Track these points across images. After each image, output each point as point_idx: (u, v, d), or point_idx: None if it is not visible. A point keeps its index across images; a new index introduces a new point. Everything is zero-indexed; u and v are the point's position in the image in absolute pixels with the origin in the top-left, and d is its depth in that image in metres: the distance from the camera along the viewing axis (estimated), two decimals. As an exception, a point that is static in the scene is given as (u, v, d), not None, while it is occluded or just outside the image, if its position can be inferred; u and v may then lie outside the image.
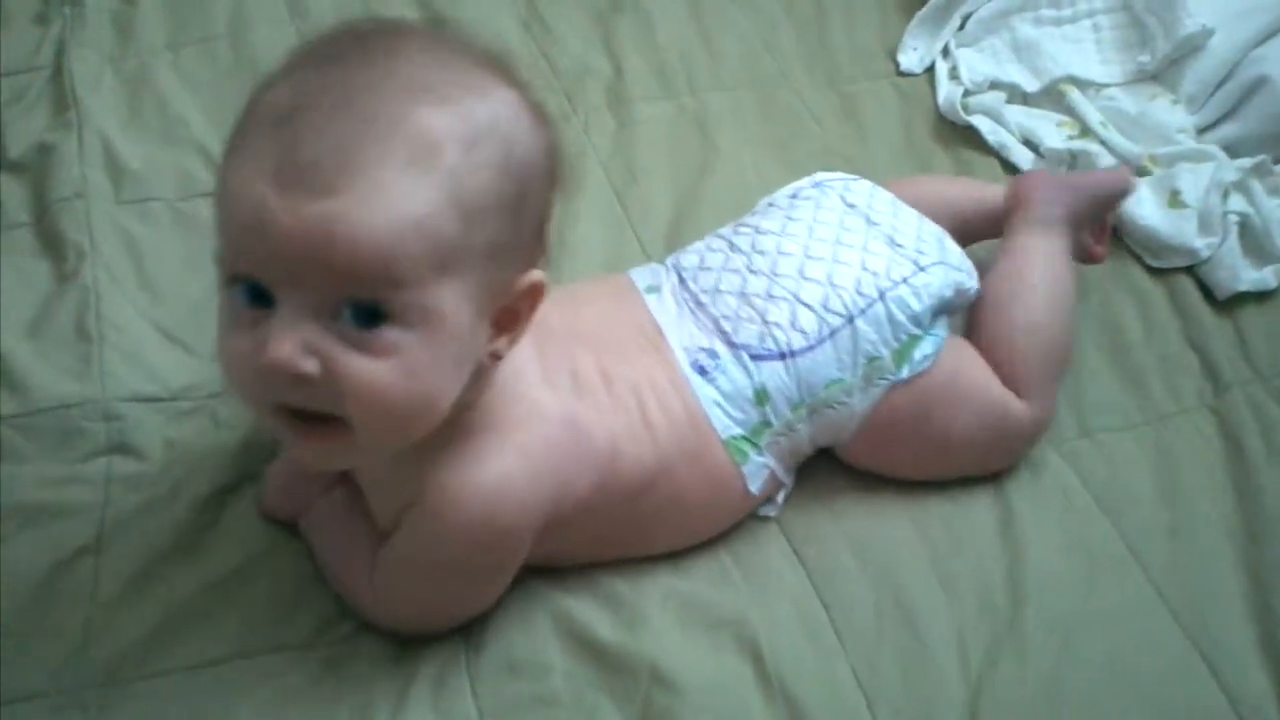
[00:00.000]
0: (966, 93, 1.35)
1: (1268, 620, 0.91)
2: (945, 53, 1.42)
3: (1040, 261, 1.04)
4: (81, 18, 1.39)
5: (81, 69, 1.32)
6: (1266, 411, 1.05)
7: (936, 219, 1.02)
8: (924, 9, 1.45)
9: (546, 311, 0.81)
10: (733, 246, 0.98)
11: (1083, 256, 1.14)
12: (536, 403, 0.84)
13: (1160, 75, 1.36)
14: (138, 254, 1.14)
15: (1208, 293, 1.16)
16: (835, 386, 0.93)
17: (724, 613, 0.90)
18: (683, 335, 0.93)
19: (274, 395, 0.74)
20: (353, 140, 0.71)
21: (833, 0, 1.50)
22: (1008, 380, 0.99)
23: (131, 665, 0.85)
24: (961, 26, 1.44)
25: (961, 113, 1.33)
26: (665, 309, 0.95)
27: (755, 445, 0.93)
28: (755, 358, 0.92)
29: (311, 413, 0.75)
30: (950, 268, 0.98)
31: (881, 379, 0.94)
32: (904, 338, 0.94)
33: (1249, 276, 1.16)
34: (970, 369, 0.99)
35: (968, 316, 1.03)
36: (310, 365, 0.72)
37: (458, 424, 0.80)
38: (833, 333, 0.93)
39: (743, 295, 0.94)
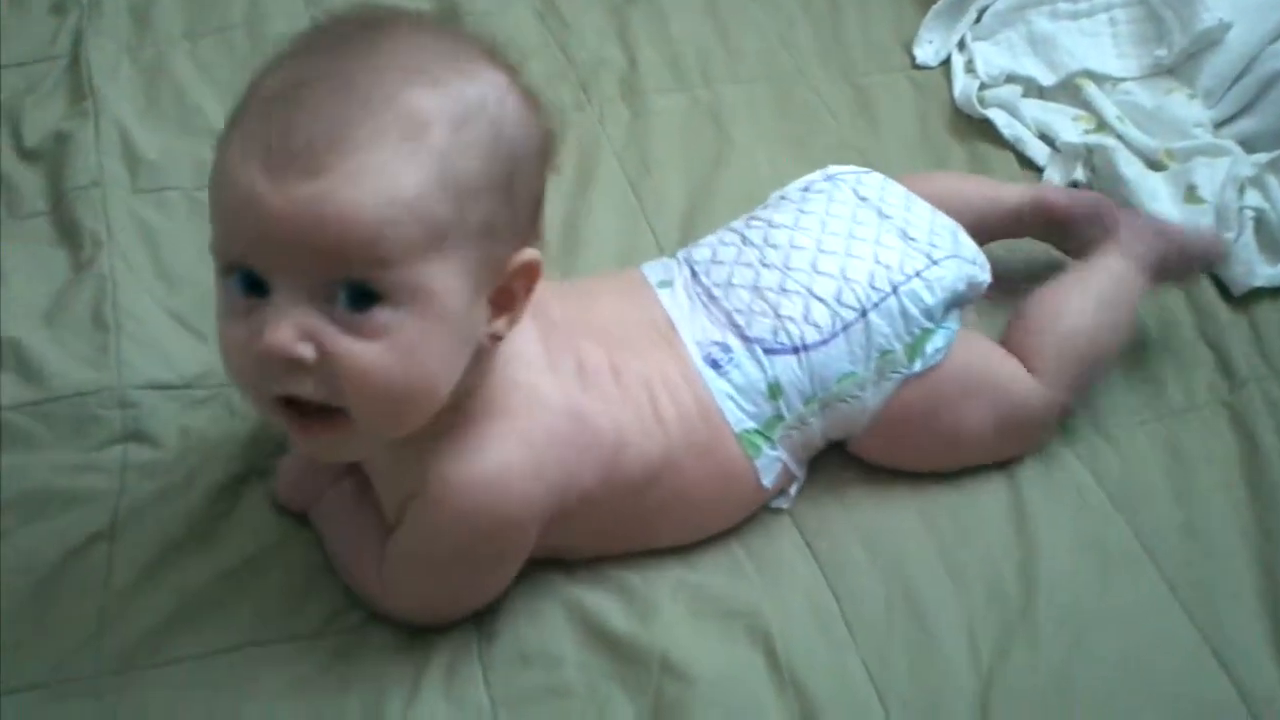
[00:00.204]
0: (982, 86, 1.35)
1: (1281, 616, 0.91)
2: (961, 46, 1.41)
3: (1110, 283, 1.04)
4: (99, 7, 1.40)
5: (99, 58, 1.33)
6: (1282, 407, 1.05)
7: (952, 216, 1.02)
8: (940, 2, 1.44)
9: (554, 305, 0.82)
10: (745, 240, 0.98)
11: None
12: (539, 390, 0.84)
13: (1177, 69, 1.35)
14: (154, 242, 1.14)
15: (1223, 288, 1.15)
16: (848, 380, 0.93)
17: (736, 604, 0.90)
18: (695, 329, 0.93)
19: (272, 385, 0.75)
20: (342, 121, 0.72)
21: (848, -8, 1.50)
22: (1029, 358, 0.99)
23: (144, 653, 0.86)
24: (978, 20, 1.43)
25: (977, 106, 1.33)
26: (678, 303, 0.95)
27: (768, 439, 0.93)
28: (768, 351, 0.92)
29: (312, 405, 0.75)
30: (963, 261, 0.98)
31: (894, 373, 0.94)
32: (916, 331, 0.94)
33: (1264, 272, 1.15)
34: (982, 359, 0.99)
35: (1015, 305, 1.03)
36: (305, 350, 0.73)
37: (459, 411, 0.80)
38: (846, 326, 0.93)
39: (756, 289, 0.94)
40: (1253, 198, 1.18)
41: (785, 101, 1.35)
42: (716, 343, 0.92)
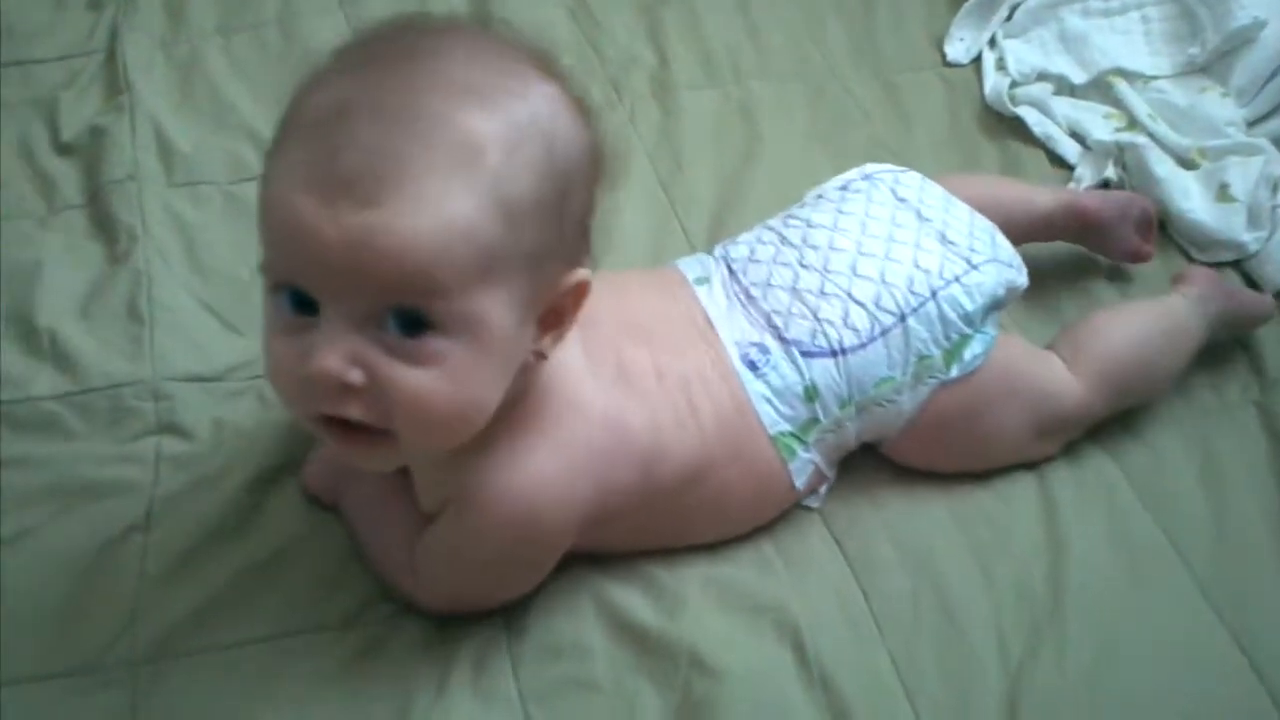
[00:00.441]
0: (1013, 84, 1.35)
1: (1312, 619, 0.91)
2: (992, 43, 1.41)
3: (1170, 320, 1.04)
4: (134, 3, 1.41)
5: (134, 53, 1.34)
6: (1313, 409, 1.05)
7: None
8: (971, 0, 1.44)
9: (593, 302, 0.81)
10: (783, 239, 0.98)
11: (1130, 255, 1.14)
12: (579, 400, 0.84)
13: (1210, 68, 1.34)
14: (188, 236, 1.15)
15: (1255, 287, 1.15)
16: (885, 385, 0.93)
17: (764, 600, 0.90)
18: (733, 329, 0.93)
19: (319, 405, 0.74)
20: (394, 148, 0.70)
21: (879, -10, 1.50)
22: (1072, 357, 0.99)
23: (177, 642, 0.86)
24: (1009, 17, 1.43)
25: (1008, 104, 1.33)
26: (715, 301, 0.95)
27: (803, 442, 0.92)
28: (806, 354, 0.92)
29: (357, 423, 0.75)
30: (1002, 264, 0.97)
31: (931, 378, 0.94)
32: (955, 337, 0.94)
33: (1297, 272, 1.15)
34: (1019, 361, 0.98)
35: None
36: (356, 376, 0.72)
37: (499, 420, 0.79)
38: (884, 331, 0.92)
39: (794, 290, 0.94)
40: (1286, 197, 1.18)
41: (816, 99, 1.35)
42: (754, 344, 0.92)
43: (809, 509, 0.96)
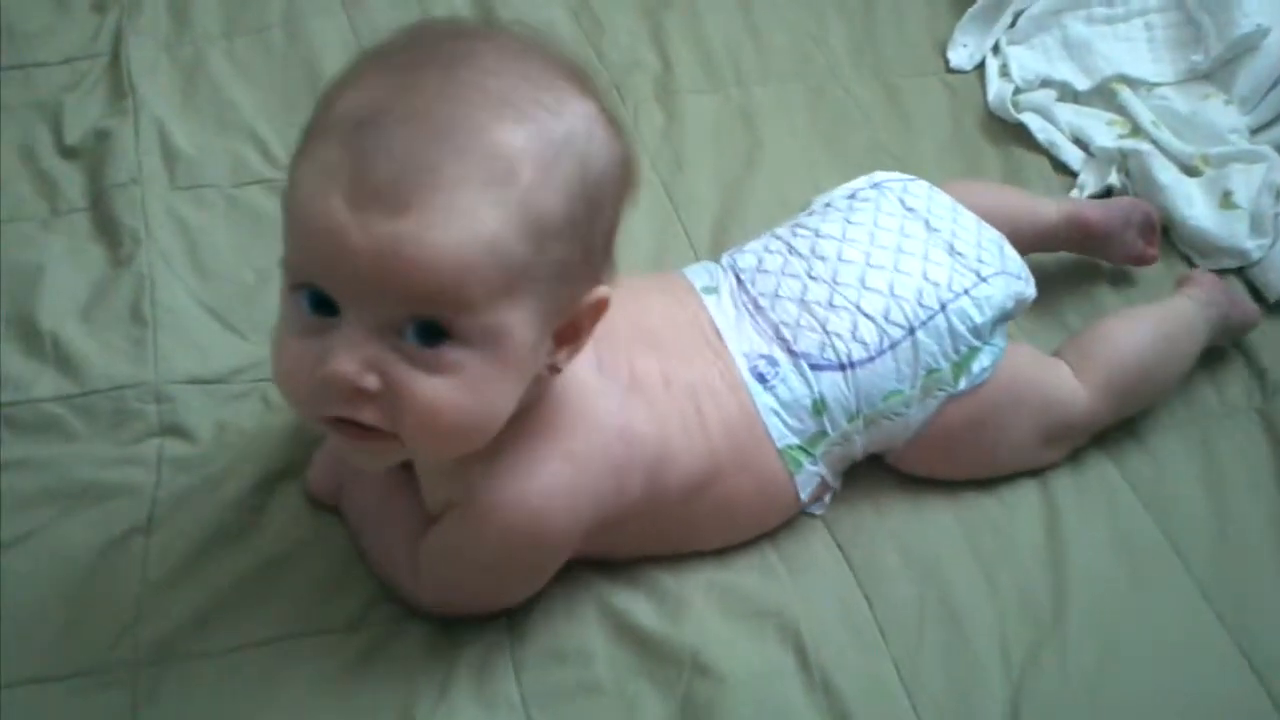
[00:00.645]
0: (1017, 90, 1.35)
1: (1314, 624, 0.91)
2: (996, 50, 1.41)
3: (1174, 322, 1.04)
4: (138, 6, 1.41)
5: (138, 56, 1.34)
6: (1316, 415, 1.05)
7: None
8: (975, 6, 1.44)
9: (610, 312, 0.79)
10: (791, 249, 0.97)
11: (1135, 259, 1.14)
12: (590, 410, 0.84)
13: (1213, 75, 1.35)
14: (192, 239, 1.15)
15: (1258, 294, 1.15)
16: (894, 398, 0.93)
17: (767, 604, 0.90)
18: (742, 340, 0.93)
19: (331, 408, 0.74)
20: (427, 157, 0.70)
21: (883, -5, 1.50)
22: (1079, 364, 0.99)
23: (178, 645, 0.86)
24: (1013, 24, 1.43)
25: (1012, 110, 1.33)
26: (724, 312, 0.94)
27: (810, 455, 0.92)
28: (815, 367, 0.91)
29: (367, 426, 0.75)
30: (1010, 276, 0.97)
31: (939, 391, 0.94)
32: (963, 350, 0.94)
33: (1300, 279, 1.15)
34: (1026, 370, 0.98)
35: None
36: (371, 382, 0.72)
37: (511, 427, 0.79)
38: (893, 344, 0.92)
39: (803, 302, 0.94)
40: (1289, 204, 1.18)
41: (818, 103, 1.35)
42: (763, 355, 0.92)
43: (813, 515, 0.96)
